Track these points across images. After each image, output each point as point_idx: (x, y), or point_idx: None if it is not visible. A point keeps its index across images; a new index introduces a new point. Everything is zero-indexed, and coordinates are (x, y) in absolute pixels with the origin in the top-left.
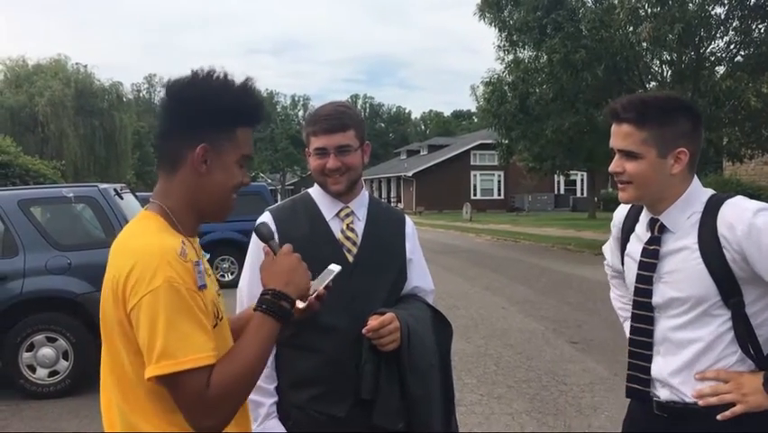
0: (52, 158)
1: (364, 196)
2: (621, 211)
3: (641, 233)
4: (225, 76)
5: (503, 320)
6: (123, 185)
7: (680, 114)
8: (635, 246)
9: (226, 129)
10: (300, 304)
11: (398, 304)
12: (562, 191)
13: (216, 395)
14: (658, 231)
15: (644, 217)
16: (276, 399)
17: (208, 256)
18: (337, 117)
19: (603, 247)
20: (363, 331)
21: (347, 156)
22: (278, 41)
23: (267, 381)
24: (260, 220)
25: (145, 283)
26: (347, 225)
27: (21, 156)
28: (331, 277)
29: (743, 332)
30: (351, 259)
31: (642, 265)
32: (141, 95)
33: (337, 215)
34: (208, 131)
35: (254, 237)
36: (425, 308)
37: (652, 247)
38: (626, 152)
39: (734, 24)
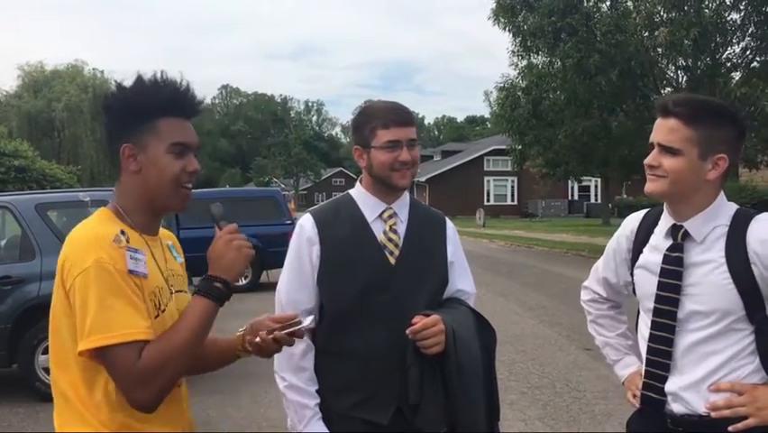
0: (68, 162)
1: (406, 196)
2: (633, 221)
3: (657, 243)
4: (142, 76)
5: (516, 326)
6: None
7: (730, 121)
8: (653, 257)
9: (146, 124)
10: (257, 339)
11: (441, 308)
12: (575, 197)
13: (145, 368)
14: (681, 238)
15: (664, 225)
16: (318, 400)
17: (180, 260)
18: (407, 111)
19: (585, 284)
20: (407, 332)
21: (415, 150)
22: (296, 46)
23: (309, 383)
24: (300, 221)
25: (78, 265)
26: (390, 226)
27: (38, 160)
28: (296, 328)
29: (766, 346)
30: (392, 261)
31: (664, 273)
32: None
33: (380, 216)
34: (129, 130)
35: (294, 241)
36: (468, 313)
37: (675, 255)
38: (667, 148)
39: (750, 30)
